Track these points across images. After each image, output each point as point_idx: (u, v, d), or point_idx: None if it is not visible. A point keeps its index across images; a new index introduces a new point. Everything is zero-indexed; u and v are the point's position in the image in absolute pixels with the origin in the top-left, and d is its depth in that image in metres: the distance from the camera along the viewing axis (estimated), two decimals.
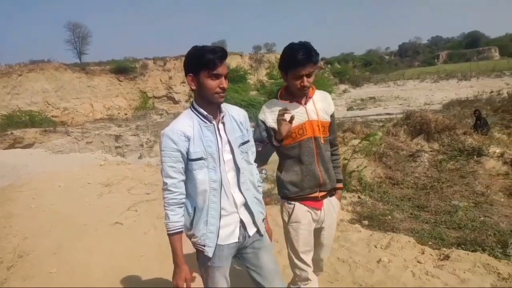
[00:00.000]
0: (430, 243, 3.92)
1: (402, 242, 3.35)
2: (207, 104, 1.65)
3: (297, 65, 1.87)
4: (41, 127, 15.56)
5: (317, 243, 2.14)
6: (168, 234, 1.64)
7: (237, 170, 1.71)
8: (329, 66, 48.32)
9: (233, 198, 1.69)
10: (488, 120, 9.58)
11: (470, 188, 6.37)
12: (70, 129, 15.56)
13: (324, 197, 2.08)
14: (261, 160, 2.01)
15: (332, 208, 2.14)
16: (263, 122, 2.04)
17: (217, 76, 1.58)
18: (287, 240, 2.10)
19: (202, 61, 1.56)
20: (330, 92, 28.34)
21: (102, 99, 24.19)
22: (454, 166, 7.13)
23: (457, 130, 8.03)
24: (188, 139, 1.60)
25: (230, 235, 1.70)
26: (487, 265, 2.96)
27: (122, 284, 2.69)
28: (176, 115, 20.28)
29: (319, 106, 2.05)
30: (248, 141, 1.78)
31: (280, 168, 2.12)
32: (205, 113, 1.64)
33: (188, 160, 1.61)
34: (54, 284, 2.70)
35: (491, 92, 22.31)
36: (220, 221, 1.67)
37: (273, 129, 1.98)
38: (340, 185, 2.21)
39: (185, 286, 1.63)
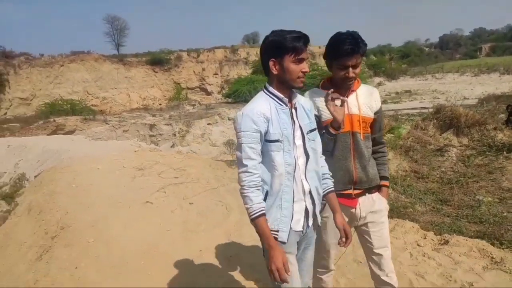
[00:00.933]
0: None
1: (406, 227, 3.48)
2: (283, 89, 1.65)
3: (342, 55, 1.82)
4: (81, 115, 16.51)
5: (366, 242, 2.06)
6: (252, 218, 1.55)
7: (306, 156, 1.69)
8: (364, 58, 47.21)
9: (302, 184, 1.68)
10: None
11: (497, 184, 6.29)
12: (108, 118, 16.42)
13: (359, 195, 1.99)
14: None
15: (373, 203, 2.03)
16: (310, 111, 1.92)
17: (301, 61, 1.60)
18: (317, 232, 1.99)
19: (288, 47, 1.57)
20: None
21: (138, 89, 25.16)
22: (482, 162, 7.03)
23: (488, 125, 7.84)
24: (268, 120, 1.58)
25: (298, 221, 1.67)
26: (482, 250, 3.07)
27: (150, 254, 3.03)
28: (208, 106, 20.82)
29: (362, 101, 1.97)
30: (315, 129, 1.77)
31: None
32: (281, 95, 1.65)
33: (265, 141, 1.59)
34: (91, 252, 3.09)
35: None
36: (293, 206, 1.65)
37: (318, 117, 1.93)
38: (385, 182, 2.11)
39: (284, 268, 1.54)
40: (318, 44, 41.99)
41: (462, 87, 27.37)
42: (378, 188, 2.06)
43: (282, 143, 1.59)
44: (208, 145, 14.12)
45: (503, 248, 3.99)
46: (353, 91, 1.96)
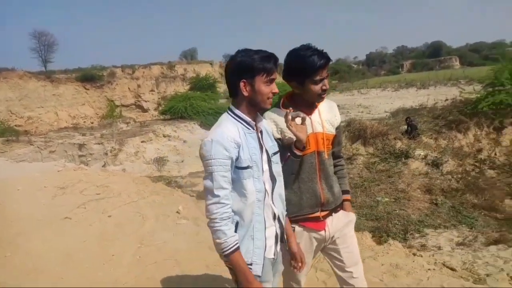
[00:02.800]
0: None
1: None
2: (251, 111, 1.59)
3: (317, 69, 1.74)
4: (3, 136, 15.57)
5: (336, 260, 1.95)
6: (227, 254, 1.46)
7: (273, 181, 1.64)
8: None
9: (271, 209, 1.62)
10: (424, 126, 10.67)
11: (394, 186, 7.26)
12: (33, 139, 15.65)
13: (326, 216, 1.89)
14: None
15: (340, 221, 1.95)
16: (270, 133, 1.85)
17: (272, 81, 1.57)
18: (285, 259, 1.88)
19: (259, 67, 1.52)
20: None
21: (67, 107, 24.14)
22: (384, 167, 8.04)
23: (389, 135, 8.98)
24: (238, 146, 1.50)
25: (271, 248, 1.62)
26: (364, 244, 3.75)
27: (65, 262, 3.28)
28: (143, 123, 20.64)
29: (325, 117, 1.89)
30: (278, 151, 1.71)
31: None
32: (248, 119, 1.58)
33: (236, 168, 1.51)
34: (8, 264, 3.26)
35: (446, 99, 23.87)
36: (265, 235, 1.58)
37: (279, 140, 1.82)
38: (347, 196, 2.06)
39: None
40: None
41: (384, 101, 29.88)
42: (341, 205, 1.99)
43: (252, 169, 1.52)
44: (142, 163, 14.05)
45: (389, 238, 4.78)
46: (315, 108, 1.88)
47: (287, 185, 1.81)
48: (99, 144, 15.32)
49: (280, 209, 1.67)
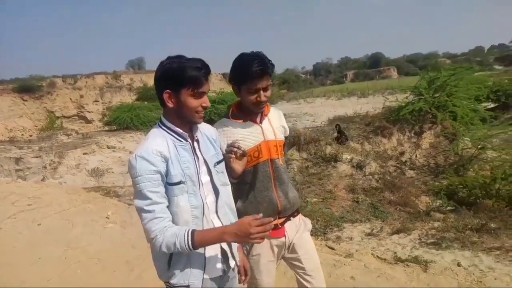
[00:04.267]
0: None
1: None
2: (180, 123, 1.46)
3: (252, 78, 1.69)
4: None
5: (297, 268, 1.95)
6: (192, 245, 1.34)
7: (216, 193, 1.54)
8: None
9: (213, 225, 1.50)
10: (354, 133, 11.57)
11: (323, 188, 7.91)
12: None
13: (284, 222, 1.89)
14: None
15: (298, 227, 1.96)
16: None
17: (201, 95, 1.42)
18: (251, 272, 1.88)
19: (185, 78, 1.37)
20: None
21: (3, 120, 22.82)
22: (316, 171, 8.71)
23: (321, 141, 9.71)
24: (166, 160, 1.38)
25: (213, 267, 1.51)
26: None
27: None
28: (86, 135, 20.06)
29: (276, 125, 1.89)
30: (222, 160, 1.62)
31: (234, 194, 1.81)
32: (180, 130, 1.46)
33: (167, 184, 1.39)
34: None
35: (383, 107, 25.66)
36: (205, 253, 1.47)
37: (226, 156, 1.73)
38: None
39: (257, 230, 1.33)
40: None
41: (327, 110, 31.30)
42: (297, 210, 1.99)
43: (186, 184, 1.41)
44: (84, 176, 13.73)
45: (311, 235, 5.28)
46: (265, 115, 1.87)
47: (241, 196, 1.82)
48: (37, 157, 14.74)
49: (228, 221, 1.54)
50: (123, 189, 7.97)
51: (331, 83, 68.10)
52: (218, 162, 1.59)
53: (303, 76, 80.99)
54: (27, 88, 25.06)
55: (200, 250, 1.43)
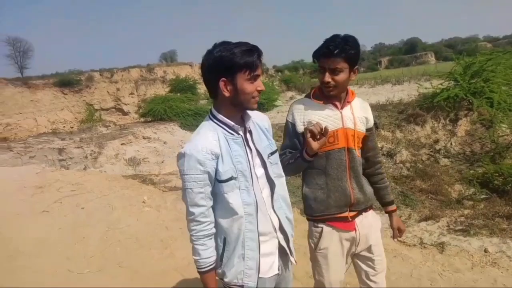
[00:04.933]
0: None
1: None
2: (235, 113, 1.43)
3: (319, 55, 1.64)
4: None
5: (368, 267, 1.86)
6: (200, 273, 1.41)
7: (271, 185, 1.49)
8: (279, 74, 50.59)
9: (270, 220, 1.46)
10: (385, 121, 11.39)
11: None
12: (12, 144, 15.83)
13: (355, 216, 1.79)
14: (290, 172, 1.72)
15: (370, 223, 1.86)
16: (293, 126, 1.76)
17: (256, 78, 1.38)
18: (315, 268, 1.82)
19: (240, 63, 1.33)
20: (275, 100, 30.04)
21: (46, 113, 24.19)
22: None
23: None
24: (216, 157, 1.35)
25: (270, 266, 1.47)
26: None
27: (41, 244, 3.77)
28: (123, 126, 20.90)
29: (358, 114, 1.79)
30: (276, 151, 1.56)
31: (303, 179, 1.81)
32: (232, 123, 1.41)
33: (216, 181, 1.37)
34: None
35: (418, 94, 24.88)
36: (259, 253, 1.43)
37: (303, 134, 1.70)
38: (393, 207, 1.98)
39: None
40: None
41: (361, 98, 30.62)
42: (371, 206, 1.91)
43: (237, 180, 1.37)
44: (122, 165, 14.40)
45: None
46: (348, 102, 1.77)
47: (310, 181, 1.73)
48: (78, 148, 15.58)
49: (284, 215, 1.51)
50: (158, 177, 8.36)
51: (365, 71, 66.39)
52: (272, 153, 1.52)
53: None
54: (66, 82, 26.30)
55: (255, 251, 1.42)
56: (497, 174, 6.84)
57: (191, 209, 1.38)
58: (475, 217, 4.62)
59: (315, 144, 1.62)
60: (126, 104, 28.79)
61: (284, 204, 1.53)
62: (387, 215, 2.06)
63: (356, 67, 1.71)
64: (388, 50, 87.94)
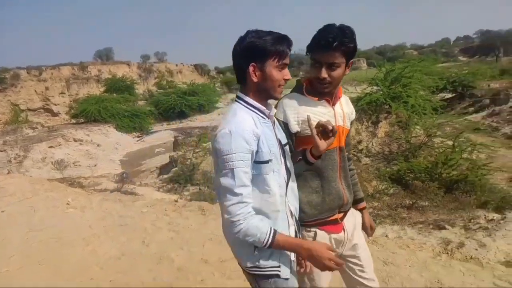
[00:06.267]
0: None
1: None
2: (260, 99, 1.42)
3: (315, 48, 1.52)
4: None
5: (356, 265, 1.76)
6: (272, 245, 1.33)
7: (288, 174, 1.50)
8: (221, 75, 50.71)
9: (288, 206, 1.48)
10: None
11: None
12: None
13: (343, 218, 1.72)
14: None
15: (353, 221, 1.79)
16: (286, 125, 1.60)
17: (284, 66, 1.39)
18: (305, 275, 1.69)
19: (272, 50, 1.35)
20: (216, 101, 30.12)
21: None
22: None
23: None
24: (258, 138, 1.34)
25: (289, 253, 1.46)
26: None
27: None
28: (52, 128, 19.68)
29: (346, 110, 1.72)
30: (287, 143, 1.56)
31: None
32: (263, 107, 1.42)
33: (255, 163, 1.35)
34: None
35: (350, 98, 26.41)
36: (289, 232, 1.45)
37: (296, 134, 1.59)
38: (363, 204, 1.91)
39: (333, 257, 1.35)
40: (175, 62, 43.26)
41: None
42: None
43: (272, 162, 1.38)
44: (50, 170, 13.66)
45: None
46: (338, 98, 1.67)
47: (303, 184, 1.62)
48: (1, 151, 14.51)
49: (295, 204, 1.54)
50: (88, 180, 8.16)
51: (303, 75, 68.42)
52: (285, 145, 1.53)
53: None
54: None
55: (287, 231, 1.43)
56: (409, 171, 7.67)
57: (238, 190, 1.30)
58: (381, 208, 5.22)
59: (323, 144, 1.47)
60: (55, 105, 27.13)
61: (293, 195, 1.53)
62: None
63: (351, 61, 1.57)
64: None
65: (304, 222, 1.62)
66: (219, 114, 25.92)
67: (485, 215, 4.59)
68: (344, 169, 1.69)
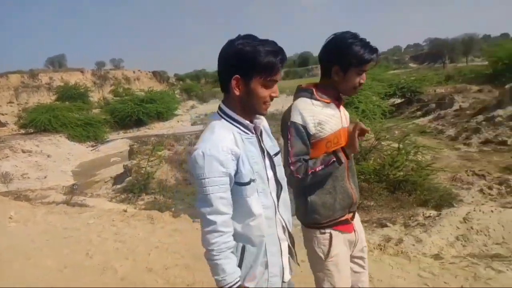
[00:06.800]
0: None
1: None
2: (246, 113, 1.31)
3: (365, 60, 1.58)
4: None
5: (360, 268, 1.81)
6: None
7: (278, 188, 1.41)
8: (180, 82, 50.19)
9: (280, 222, 1.39)
10: (273, 129, 12.34)
11: None
12: None
13: (353, 218, 1.75)
14: (316, 180, 1.61)
15: (358, 222, 1.82)
16: (305, 128, 1.59)
17: (272, 84, 1.27)
18: (325, 279, 1.67)
19: (260, 64, 1.21)
20: (175, 108, 29.72)
21: None
22: None
23: None
24: (237, 158, 1.23)
25: (287, 269, 1.42)
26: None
27: None
28: None
29: (346, 113, 1.78)
30: (279, 152, 1.46)
31: (302, 186, 1.66)
32: (246, 121, 1.30)
33: (236, 185, 1.25)
34: None
35: None
36: (282, 257, 1.37)
37: (314, 136, 1.60)
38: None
39: None
40: (132, 69, 42.28)
41: None
42: None
43: (255, 182, 1.28)
44: None
45: None
46: (343, 101, 1.75)
47: (316, 186, 1.62)
48: None
49: (287, 218, 1.44)
50: (35, 193, 7.78)
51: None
52: (276, 154, 1.43)
53: None
54: None
55: (277, 256, 1.35)
56: (359, 173, 7.99)
57: (212, 218, 1.21)
58: None
59: (357, 145, 1.57)
60: (3, 114, 25.68)
61: (285, 207, 1.44)
62: None
63: None
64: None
65: (318, 224, 1.64)
66: (178, 121, 25.64)
67: (423, 212, 4.88)
68: (351, 168, 1.72)
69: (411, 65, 59.00)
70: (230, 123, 1.29)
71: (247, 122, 1.30)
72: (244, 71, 1.22)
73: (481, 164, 8.30)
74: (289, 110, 1.65)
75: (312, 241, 1.68)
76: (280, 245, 1.35)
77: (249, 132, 1.31)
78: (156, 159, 9.54)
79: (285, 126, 1.64)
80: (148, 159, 9.05)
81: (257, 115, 1.36)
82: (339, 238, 1.66)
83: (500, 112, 10.75)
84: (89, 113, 24.38)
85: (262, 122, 1.42)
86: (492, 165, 8.09)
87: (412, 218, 4.72)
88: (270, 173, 1.36)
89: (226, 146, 1.21)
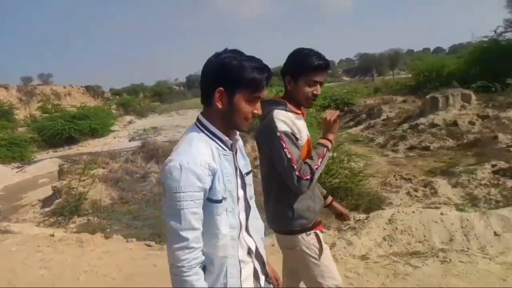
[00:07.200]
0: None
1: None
2: (226, 128, 1.29)
3: (315, 69, 1.68)
4: None
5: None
6: None
7: (247, 208, 1.39)
8: (117, 97, 48.17)
9: (246, 244, 1.37)
10: None
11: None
12: None
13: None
14: (310, 185, 1.69)
15: None
16: (293, 134, 1.69)
17: (256, 100, 1.26)
18: (325, 275, 1.75)
19: (246, 79, 1.21)
20: (112, 124, 28.40)
21: None
22: None
23: None
24: (213, 174, 1.20)
25: None
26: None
27: None
28: None
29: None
30: (251, 171, 1.44)
31: (283, 195, 1.73)
32: (226, 137, 1.28)
33: (208, 201, 1.21)
34: None
35: None
36: (241, 280, 1.31)
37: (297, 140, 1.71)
38: (331, 198, 2.12)
39: None
40: (63, 84, 39.86)
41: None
42: None
43: (226, 201, 1.25)
44: None
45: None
46: (304, 114, 1.84)
47: (297, 194, 1.71)
48: None
49: (258, 237, 1.42)
50: None
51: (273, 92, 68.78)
52: (247, 173, 1.40)
53: (176, 88, 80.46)
54: None
55: (236, 279, 1.29)
56: None
57: (185, 234, 1.15)
58: (265, 219, 5.50)
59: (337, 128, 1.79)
60: None
61: (256, 223, 1.42)
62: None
63: None
64: None
65: (304, 228, 1.74)
66: (115, 137, 24.52)
67: (354, 216, 5.16)
68: None
69: (344, 78, 62.50)
70: (209, 137, 1.26)
71: (226, 138, 1.28)
72: (228, 84, 1.22)
73: (408, 168, 8.92)
74: (269, 122, 1.69)
75: (301, 245, 1.75)
76: (240, 268, 1.31)
77: (226, 149, 1.28)
78: (88, 178, 9.05)
79: (272, 138, 1.67)
80: (79, 179, 8.54)
81: (236, 132, 1.36)
82: (321, 236, 1.80)
83: (422, 120, 11.71)
84: (14, 131, 22.47)
85: (240, 142, 1.42)
86: (417, 169, 8.73)
87: (344, 222, 4.96)
88: (240, 192, 1.34)
89: (204, 160, 1.17)
